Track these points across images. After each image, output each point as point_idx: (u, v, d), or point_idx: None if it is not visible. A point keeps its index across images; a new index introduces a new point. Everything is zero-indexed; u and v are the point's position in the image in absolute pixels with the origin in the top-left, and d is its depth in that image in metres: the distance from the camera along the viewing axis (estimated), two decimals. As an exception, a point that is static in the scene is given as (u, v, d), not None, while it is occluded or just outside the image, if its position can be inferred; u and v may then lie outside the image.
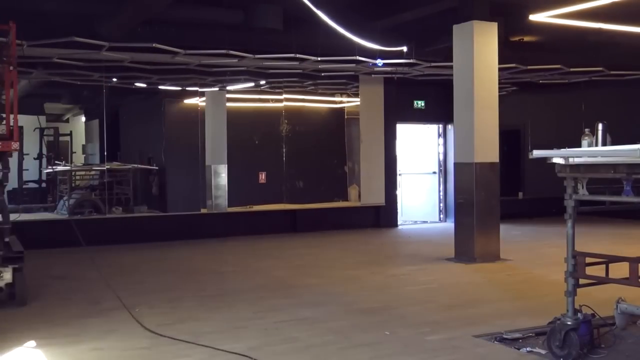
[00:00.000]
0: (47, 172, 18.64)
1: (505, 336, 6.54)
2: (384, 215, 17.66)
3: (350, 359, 6.09)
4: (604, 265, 6.16)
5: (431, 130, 19.00)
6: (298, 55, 13.15)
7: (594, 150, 5.90)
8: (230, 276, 10.66)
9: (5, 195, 8.99)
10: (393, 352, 6.26)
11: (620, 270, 5.94)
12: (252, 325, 7.36)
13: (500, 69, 12.14)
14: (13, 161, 17.92)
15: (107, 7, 11.44)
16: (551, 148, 5.91)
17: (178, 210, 16.88)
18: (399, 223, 18.06)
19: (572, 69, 15.38)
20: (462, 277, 10.29)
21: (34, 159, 18.65)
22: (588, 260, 5.99)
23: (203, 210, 16.97)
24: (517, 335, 6.56)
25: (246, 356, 6.08)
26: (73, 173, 17.62)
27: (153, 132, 18.14)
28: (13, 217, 9.43)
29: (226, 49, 12.54)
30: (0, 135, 8.73)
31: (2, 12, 10.91)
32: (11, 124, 8.68)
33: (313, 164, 18.25)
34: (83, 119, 19.66)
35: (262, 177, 17.79)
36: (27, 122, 18.17)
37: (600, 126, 6.27)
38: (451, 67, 12.21)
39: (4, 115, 8.82)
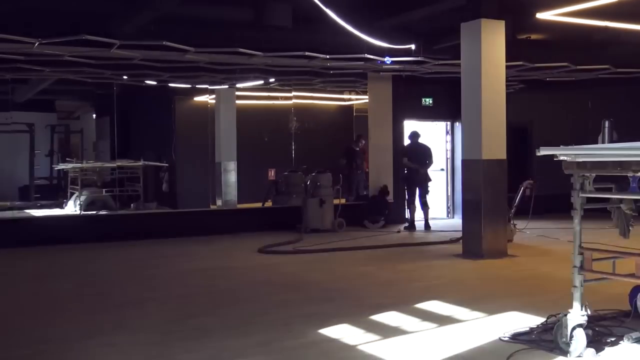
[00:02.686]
0: (57, 169, 18.78)
1: (513, 331, 6.59)
2: (392, 211, 17.70)
3: (359, 354, 6.15)
4: (611, 261, 6.22)
5: (439, 127, 19.05)
6: (307, 53, 13.22)
7: (600, 148, 5.96)
8: (240, 272, 10.74)
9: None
10: (402, 347, 6.33)
11: (627, 266, 6.00)
12: (261, 320, 7.44)
13: (507, 67, 12.19)
14: (24, 158, 18.17)
15: (118, 5, 11.54)
16: (558, 145, 5.95)
17: (188, 207, 16.99)
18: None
19: (578, 67, 15.41)
20: (470, 273, 10.36)
21: (45, 155, 18.79)
22: (595, 255, 6.04)
23: (213, 207, 17.08)
24: (524, 330, 6.61)
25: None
26: (84, 170, 17.74)
27: (163, 129, 18.25)
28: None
29: (236, 47, 12.62)
30: None
31: (15, 11, 11.04)
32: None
33: (322, 161, 18.32)
34: (94, 116, 19.79)
35: (272, 173, 17.88)
36: (38, 119, 18.33)
37: (606, 123, 6.33)
38: (459, 65, 12.26)
39: None
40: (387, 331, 6.88)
